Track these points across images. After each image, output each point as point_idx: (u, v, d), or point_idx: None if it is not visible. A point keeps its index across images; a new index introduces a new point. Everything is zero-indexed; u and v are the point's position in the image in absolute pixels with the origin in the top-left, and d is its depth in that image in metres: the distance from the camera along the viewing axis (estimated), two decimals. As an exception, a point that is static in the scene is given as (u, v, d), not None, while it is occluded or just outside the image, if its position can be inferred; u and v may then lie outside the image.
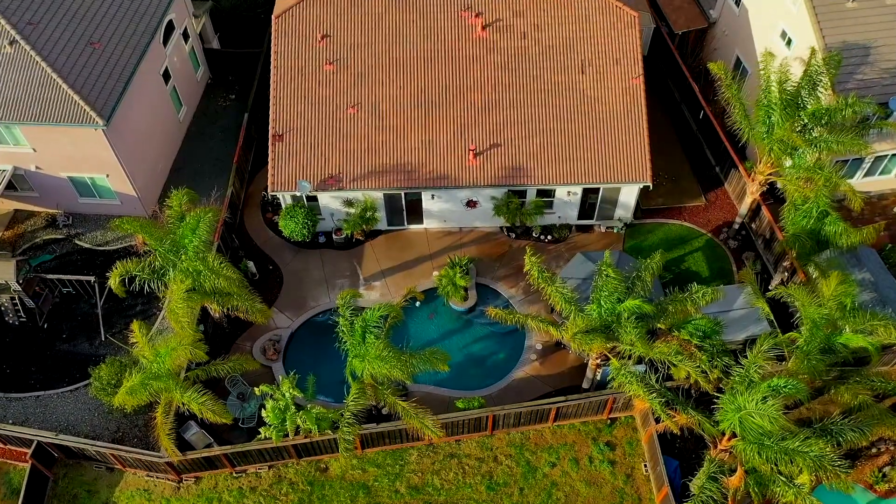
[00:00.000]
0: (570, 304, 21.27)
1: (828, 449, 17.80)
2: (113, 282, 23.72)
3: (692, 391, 23.57)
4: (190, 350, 22.16)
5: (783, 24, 29.20)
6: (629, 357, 21.57)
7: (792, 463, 18.10)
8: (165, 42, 31.81)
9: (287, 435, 23.34)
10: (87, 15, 28.93)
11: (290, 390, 23.20)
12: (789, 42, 28.97)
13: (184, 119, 34.07)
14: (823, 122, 24.20)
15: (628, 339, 20.16)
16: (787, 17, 28.86)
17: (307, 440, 23.41)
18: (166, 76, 32.02)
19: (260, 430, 23.75)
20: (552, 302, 21.89)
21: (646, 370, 21.90)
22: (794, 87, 24.32)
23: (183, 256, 23.55)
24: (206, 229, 23.22)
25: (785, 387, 17.65)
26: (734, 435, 19.81)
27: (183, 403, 22.29)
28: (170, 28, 32.18)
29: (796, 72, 25.43)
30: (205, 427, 24.46)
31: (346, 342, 21.93)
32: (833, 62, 24.35)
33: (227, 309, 24.93)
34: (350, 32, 29.16)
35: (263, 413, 23.56)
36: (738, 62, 32.60)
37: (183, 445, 23.79)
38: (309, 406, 23.38)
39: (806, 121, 24.45)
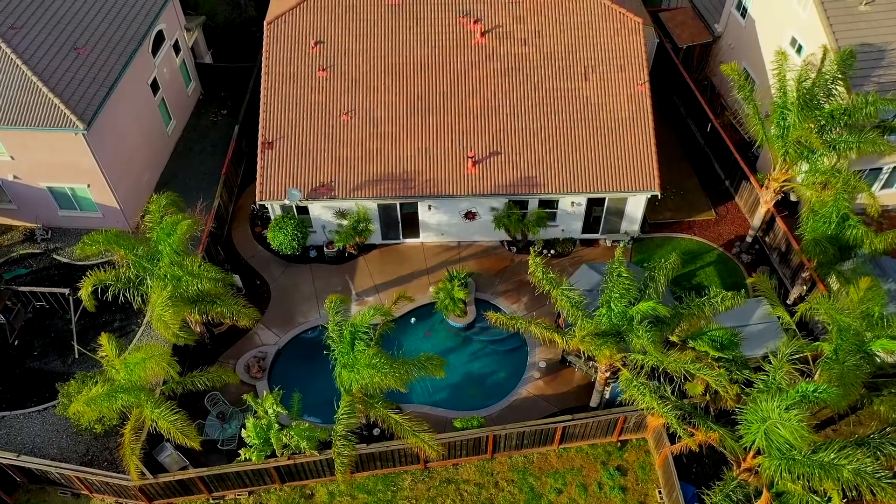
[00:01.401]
0: (577, 308, 19.60)
1: (868, 460, 15.92)
2: (84, 293, 22.06)
3: (709, 409, 21.78)
4: (162, 364, 20.37)
5: (792, 32, 28.26)
6: (641, 368, 19.81)
7: (828, 479, 16.14)
8: (155, 52, 30.86)
9: (274, 455, 21.40)
10: (74, 20, 28.01)
11: (274, 406, 21.37)
12: (799, 49, 27.98)
13: (172, 133, 32.91)
14: (842, 122, 22.92)
15: (640, 345, 18.43)
16: (796, 23, 27.92)
17: (291, 462, 21.47)
18: (154, 87, 30.97)
19: (240, 451, 21.83)
20: (558, 307, 20.25)
21: (659, 386, 20.11)
22: (811, 83, 23.10)
23: (160, 263, 21.99)
24: (182, 233, 21.66)
25: (815, 392, 15.86)
26: (759, 452, 17.96)
27: (154, 423, 20.41)
28: (160, 38, 31.29)
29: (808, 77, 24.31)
30: (181, 449, 22.52)
31: (334, 350, 20.18)
32: (847, 58, 23.13)
33: (211, 318, 23.22)
34: (344, 39, 28.18)
35: (244, 432, 21.69)
36: (746, 74, 31.52)
37: (156, 468, 21.89)
38: (294, 424, 21.49)
39: (824, 122, 23.17)
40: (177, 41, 32.91)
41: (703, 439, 19.12)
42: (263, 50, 28.09)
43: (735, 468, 18.95)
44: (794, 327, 20.22)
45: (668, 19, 35.19)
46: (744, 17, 31.83)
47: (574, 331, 19.36)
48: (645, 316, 18.65)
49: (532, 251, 20.76)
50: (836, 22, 25.95)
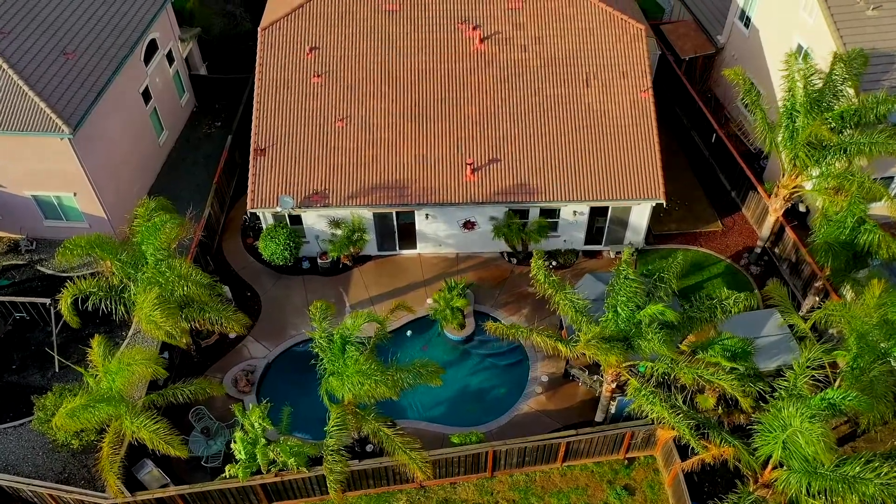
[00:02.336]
0: (582, 314, 18.56)
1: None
2: (64, 304, 21.00)
3: (722, 423, 20.59)
4: (149, 367, 19.28)
5: (798, 39, 27.66)
6: (650, 377, 18.73)
7: (852, 494, 14.95)
8: (147, 61, 30.24)
9: (260, 471, 20.14)
10: (64, 26, 27.40)
11: (261, 420, 20.16)
12: (806, 56, 27.27)
13: (165, 144, 32.14)
14: (853, 122, 22.13)
15: (649, 349, 17.33)
16: (802, 30, 27.34)
17: (278, 479, 20.23)
18: (146, 96, 30.28)
19: (225, 468, 20.59)
20: (560, 313, 19.23)
21: (670, 395, 18.97)
22: (821, 81, 22.39)
23: (143, 267, 21.01)
24: (168, 233, 20.72)
25: (844, 399, 14.72)
26: (779, 465, 16.78)
27: (135, 435, 19.24)
28: (153, 47, 30.71)
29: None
30: (162, 466, 21.32)
31: (322, 359, 19.06)
32: (858, 59, 22.46)
33: (198, 326, 22.15)
34: (340, 45, 27.55)
35: (233, 446, 20.44)
36: (750, 83, 30.86)
37: (135, 486, 20.65)
38: (282, 439, 20.29)
39: (833, 124, 22.38)
40: (170, 51, 32.33)
41: (717, 453, 17.96)
42: (257, 56, 27.44)
43: (751, 483, 17.71)
44: (810, 335, 19.10)
45: (670, 31, 34.72)
46: (747, 28, 31.31)
47: (578, 336, 18.26)
48: (654, 319, 17.59)
49: (536, 253, 19.72)
50: (843, 27, 25.35)
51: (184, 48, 33.74)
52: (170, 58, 32.38)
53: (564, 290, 18.75)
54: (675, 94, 33.60)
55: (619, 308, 18.07)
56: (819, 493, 15.81)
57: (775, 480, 16.78)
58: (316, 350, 19.29)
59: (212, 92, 35.10)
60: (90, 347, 20.55)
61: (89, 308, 21.57)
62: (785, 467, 16.37)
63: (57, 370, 24.59)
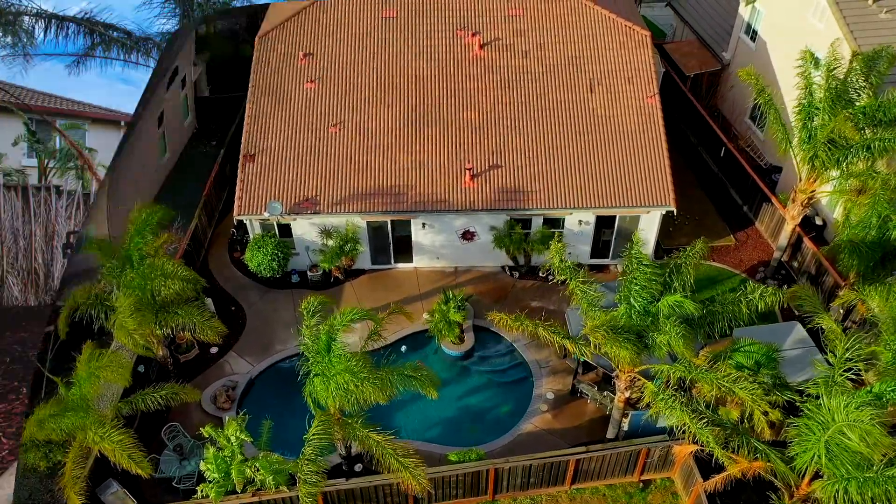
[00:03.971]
0: (594, 306, 16.95)
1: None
2: (61, 322, 19.73)
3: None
4: (117, 373, 17.63)
5: (808, 46, 26.68)
6: (667, 382, 16.97)
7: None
8: (168, 86, 29.42)
9: (235, 492, 18.16)
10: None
11: (238, 434, 18.29)
12: (816, 63, 26.34)
13: (165, 164, 30.95)
14: (878, 118, 20.93)
15: (665, 342, 15.60)
16: (812, 36, 26.41)
17: (255, 499, 18.22)
18: (160, 121, 29.30)
19: (198, 487, 18.60)
20: (575, 302, 17.69)
21: (691, 400, 17.17)
22: (844, 76, 21.33)
23: (128, 269, 19.72)
24: (152, 230, 19.49)
25: (892, 391, 12.99)
26: (817, 476, 14.90)
27: (97, 446, 17.41)
28: (174, 73, 29.88)
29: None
30: (129, 487, 19.33)
31: (308, 360, 17.33)
32: (885, 57, 21.43)
33: (174, 332, 20.58)
34: (336, 51, 26.68)
35: (203, 464, 18.51)
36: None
37: (98, 508, 18.69)
38: (262, 455, 18.38)
39: (856, 121, 21.16)
40: (184, 76, 31.50)
41: (745, 467, 16.02)
42: (252, 64, 26.62)
43: (786, 497, 15.75)
44: (840, 334, 17.36)
45: (674, 50, 34.01)
46: (754, 41, 30.53)
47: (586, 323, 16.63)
48: (671, 312, 15.94)
49: (556, 235, 18.33)
50: (856, 30, 24.49)
51: (195, 72, 32.96)
52: (182, 82, 31.53)
53: (580, 277, 17.22)
54: (681, 112, 32.65)
55: (632, 299, 16.43)
56: (871, 501, 13.89)
57: (815, 493, 14.85)
58: (302, 348, 17.61)
59: (210, 112, 34.13)
60: (71, 363, 19.07)
61: (67, 313, 20.15)
62: (826, 476, 14.48)
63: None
